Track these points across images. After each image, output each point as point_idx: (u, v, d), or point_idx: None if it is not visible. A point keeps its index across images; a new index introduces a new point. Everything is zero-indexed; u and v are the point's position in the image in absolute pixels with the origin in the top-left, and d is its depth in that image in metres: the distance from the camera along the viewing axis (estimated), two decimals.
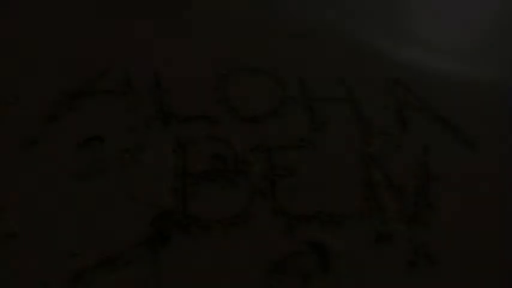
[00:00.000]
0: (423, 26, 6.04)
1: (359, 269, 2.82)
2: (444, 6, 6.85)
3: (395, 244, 3.01)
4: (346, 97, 4.22)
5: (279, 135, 3.68)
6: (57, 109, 3.59)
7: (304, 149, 3.61)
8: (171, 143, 3.49)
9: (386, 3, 6.24)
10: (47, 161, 3.16)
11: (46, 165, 3.13)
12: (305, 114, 3.95)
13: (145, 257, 2.71)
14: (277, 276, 2.73)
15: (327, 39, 5.10)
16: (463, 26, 6.22)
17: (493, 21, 6.37)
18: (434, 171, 3.57)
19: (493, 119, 4.23)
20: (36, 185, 3.01)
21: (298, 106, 4.03)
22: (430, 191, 3.41)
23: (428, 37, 5.62)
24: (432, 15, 6.45)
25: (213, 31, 4.94)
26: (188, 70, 4.22)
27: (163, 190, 3.12)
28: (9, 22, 4.58)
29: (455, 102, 4.32)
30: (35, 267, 2.58)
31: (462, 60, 5.14)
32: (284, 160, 3.48)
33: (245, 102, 3.96)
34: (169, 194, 3.10)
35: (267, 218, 3.04)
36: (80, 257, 2.64)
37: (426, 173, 3.55)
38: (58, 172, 3.11)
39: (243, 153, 3.48)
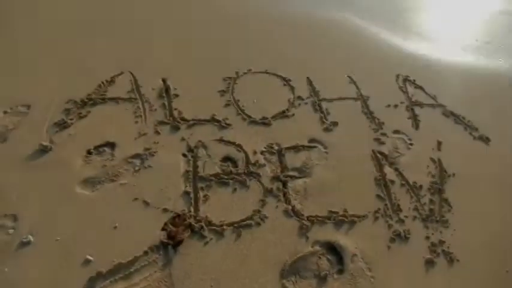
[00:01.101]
0: (432, 22, 6.00)
1: (375, 269, 2.76)
2: (450, 2, 6.83)
3: (413, 243, 2.94)
4: (356, 96, 4.17)
5: (289, 136, 3.66)
6: (67, 117, 3.59)
7: (316, 150, 3.57)
8: (181, 147, 3.47)
9: (394, 2, 6.22)
10: (59, 169, 3.16)
11: (58, 172, 3.13)
12: (315, 115, 3.92)
13: (158, 262, 2.68)
14: (292, 277, 2.68)
15: (336, 40, 5.08)
16: (471, 21, 6.18)
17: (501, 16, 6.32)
18: (449, 168, 3.50)
19: (504, 113, 4.16)
20: (49, 193, 3.00)
21: (307, 107, 4.01)
22: (446, 188, 3.34)
23: (437, 34, 5.58)
24: (440, 12, 6.41)
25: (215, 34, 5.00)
26: (195, 75, 4.21)
27: (175, 195, 3.10)
28: (14, 34, 4.67)
29: (466, 98, 4.26)
30: (50, 275, 2.57)
31: (473, 56, 5.09)
32: (295, 161, 3.45)
33: (254, 104, 3.94)
34: (180, 198, 3.07)
35: (280, 220, 3.01)
36: (94, 264, 2.62)
37: (440, 170, 3.49)
38: (70, 179, 3.10)
39: (253, 156, 3.45)
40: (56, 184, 3.04)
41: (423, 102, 4.20)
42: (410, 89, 4.36)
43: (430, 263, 2.84)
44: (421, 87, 4.39)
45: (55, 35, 4.75)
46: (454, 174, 3.46)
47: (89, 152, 3.35)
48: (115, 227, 2.84)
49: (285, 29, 5.24)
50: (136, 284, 2.55)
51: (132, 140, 3.47)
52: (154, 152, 3.40)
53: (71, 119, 3.60)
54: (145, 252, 2.71)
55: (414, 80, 4.47)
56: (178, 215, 2.96)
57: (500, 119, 4.07)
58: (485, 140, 3.84)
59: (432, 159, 3.59)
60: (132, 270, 2.61)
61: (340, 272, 2.73)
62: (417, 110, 4.11)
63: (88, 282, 2.50)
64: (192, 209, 3.01)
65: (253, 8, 5.80)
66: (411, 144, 3.71)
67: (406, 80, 4.47)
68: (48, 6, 5.41)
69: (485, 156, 3.67)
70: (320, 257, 2.79)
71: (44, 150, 3.27)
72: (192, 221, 2.92)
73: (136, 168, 3.26)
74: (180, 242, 2.80)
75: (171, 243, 2.77)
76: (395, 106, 4.11)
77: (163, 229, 2.87)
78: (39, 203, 2.90)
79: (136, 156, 3.35)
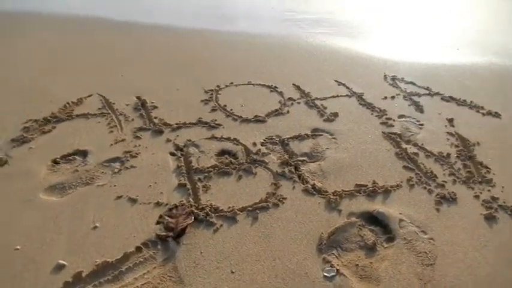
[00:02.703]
0: (404, 27, 6.11)
1: (431, 231, 2.21)
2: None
3: (463, 203, 2.45)
4: (349, 94, 3.88)
5: (289, 129, 3.24)
6: (27, 133, 3.02)
7: (322, 137, 3.15)
8: (168, 148, 2.94)
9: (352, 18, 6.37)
10: (18, 179, 2.53)
11: (17, 183, 2.50)
12: (312, 111, 3.55)
13: (157, 257, 2.01)
14: (333, 251, 2.07)
15: (323, 54, 4.96)
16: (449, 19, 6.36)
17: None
18: (470, 138, 3.14)
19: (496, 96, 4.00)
20: (6, 203, 2.34)
21: (301, 106, 3.66)
22: (476, 153, 2.95)
23: (414, 36, 5.65)
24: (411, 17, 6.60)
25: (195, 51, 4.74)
26: (173, 91, 3.83)
27: (167, 189, 2.52)
28: None
29: (458, 87, 4.10)
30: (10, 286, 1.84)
31: (451, 51, 5.09)
32: (303, 148, 2.99)
33: (243, 108, 3.54)
34: (175, 192, 2.48)
35: (301, 199, 2.45)
36: (69, 268, 1.92)
37: (462, 140, 3.12)
38: (32, 187, 2.47)
39: (254, 147, 2.96)
40: (14, 194, 2.40)
41: (419, 93, 3.95)
42: (402, 84, 4.15)
43: (491, 218, 2.33)
44: (411, 82, 4.19)
45: (17, 66, 4.29)
46: (478, 143, 3.09)
47: (55, 162, 2.75)
48: (94, 227, 2.20)
49: (261, 48, 5.07)
50: (130, 284, 1.88)
51: (107, 147, 2.93)
52: (137, 153, 2.86)
53: (31, 135, 3.03)
54: (138, 249, 2.06)
55: (403, 78, 4.28)
56: (176, 206, 2.35)
57: (505, 100, 3.87)
58: (496, 114, 3.56)
59: (449, 133, 3.25)
60: (122, 269, 1.93)
61: (391, 239, 2.16)
62: (415, 98, 3.83)
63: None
64: (191, 200, 2.40)
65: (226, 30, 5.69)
66: (421, 124, 3.38)
67: (394, 78, 4.28)
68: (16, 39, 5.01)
69: (502, 127, 3.36)
70: (361, 228, 2.21)
71: (3, 164, 2.65)
72: (193, 209, 2.30)
73: (116, 170, 2.68)
74: (182, 232, 2.17)
75: (170, 235, 2.13)
76: (393, 97, 3.85)
77: (158, 222, 2.23)
78: (6, 213, 2.23)
79: (115, 159, 2.80)
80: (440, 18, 7.02)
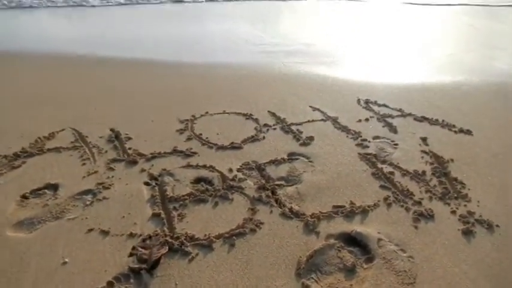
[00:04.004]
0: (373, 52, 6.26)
1: (410, 249, 2.19)
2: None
3: (440, 219, 2.46)
4: (324, 118, 3.92)
5: (265, 154, 3.22)
6: None
7: (298, 161, 3.14)
8: (142, 178, 2.88)
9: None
10: None
11: None
12: (287, 136, 3.56)
13: None
14: (313, 275, 2.02)
15: (297, 81, 5.03)
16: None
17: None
18: (444, 155, 3.19)
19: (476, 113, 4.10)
20: None
21: (277, 131, 3.66)
22: (451, 170, 2.98)
23: (382, 61, 5.79)
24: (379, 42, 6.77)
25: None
26: (147, 122, 3.80)
27: (141, 219, 2.45)
28: None
29: (430, 107, 4.19)
30: None
31: (422, 74, 5.24)
32: (279, 172, 2.97)
33: (218, 136, 3.53)
34: (149, 222, 2.42)
35: (278, 223, 2.42)
36: None
37: (437, 157, 3.17)
38: (1, 224, 2.37)
39: (230, 173, 2.94)
40: None
41: (392, 115, 4.02)
42: (375, 107, 4.22)
43: (468, 233, 2.33)
44: (384, 105, 4.27)
45: None
46: (452, 160, 3.13)
47: (24, 197, 2.66)
48: (64, 263, 2.11)
49: (236, 78, 5.09)
50: None
51: (79, 179, 2.85)
52: (110, 185, 2.79)
53: (0, 171, 2.92)
54: (110, 283, 1.97)
55: (376, 101, 4.36)
56: (150, 236, 2.28)
57: (475, 117, 3.95)
58: (467, 132, 3.63)
59: (424, 151, 3.29)
60: None
61: (370, 260, 2.13)
62: (389, 120, 3.89)
63: None
64: (166, 230, 2.33)
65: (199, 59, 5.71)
66: (396, 144, 3.41)
67: (367, 101, 4.35)
68: None
69: (474, 143, 3.43)
70: (339, 250, 2.18)
71: None
72: (168, 239, 2.24)
73: (88, 202, 2.61)
74: (156, 264, 2.10)
75: (144, 267, 2.05)
76: (367, 120, 3.90)
77: (131, 254, 2.15)
78: None
79: (87, 191, 2.72)
80: (410, 44, 7.26)
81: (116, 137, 3.49)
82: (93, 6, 10.53)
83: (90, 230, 2.35)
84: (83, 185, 2.78)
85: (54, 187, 2.78)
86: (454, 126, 3.77)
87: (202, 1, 10.22)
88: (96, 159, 3.15)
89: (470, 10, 10.48)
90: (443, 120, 3.86)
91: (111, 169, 3.00)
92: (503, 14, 9.95)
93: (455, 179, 2.88)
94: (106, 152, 3.25)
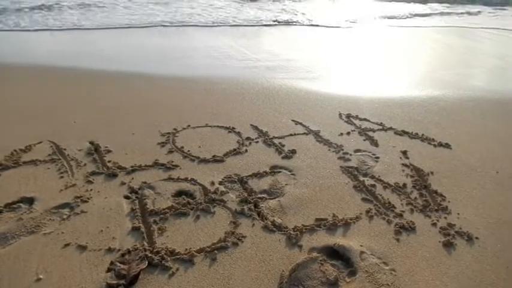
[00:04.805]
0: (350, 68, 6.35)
1: (392, 262, 2.19)
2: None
3: (421, 231, 2.47)
4: (306, 132, 3.94)
5: (247, 168, 3.20)
6: None
7: (281, 174, 3.13)
8: (122, 191, 2.82)
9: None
10: None
11: None
12: (270, 149, 3.55)
13: None
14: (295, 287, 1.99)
15: (280, 96, 5.05)
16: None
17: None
18: (424, 168, 3.23)
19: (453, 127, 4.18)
20: None
21: (259, 144, 3.65)
22: (431, 182, 3.02)
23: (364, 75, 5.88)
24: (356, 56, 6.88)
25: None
26: (128, 135, 3.74)
27: (120, 233, 2.38)
28: None
29: (410, 122, 4.26)
30: None
31: (402, 89, 5.33)
32: (262, 185, 2.96)
33: (200, 149, 3.50)
34: (129, 236, 2.36)
35: (261, 236, 2.39)
36: None
37: (417, 170, 3.20)
38: None
39: (212, 186, 2.90)
40: None
41: (373, 129, 4.06)
42: (357, 121, 4.26)
43: (449, 245, 2.35)
44: (365, 119, 4.31)
45: None
46: (432, 173, 3.17)
47: None
48: (38, 279, 2.03)
49: (218, 92, 5.08)
50: None
51: (56, 193, 2.78)
52: (88, 198, 2.72)
53: None
54: None
55: (357, 115, 4.41)
56: (129, 251, 2.22)
57: (454, 131, 4.03)
58: (446, 145, 3.70)
59: (404, 165, 3.32)
60: None
61: (353, 273, 2.11)
62: (370, 133, 3.93)
63: None
64: (145, 244, 2.28)
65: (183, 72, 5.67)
66: (377, 157, 3.44)
67: (349, 116, 4.39)
68: None
69: (453, 156, 3.49)
70: (322, 264, 2.16)
71: None
72: (148, 253, 2.18)
73: (65, 216, 2.53)
74: (135, 279, 2.04)
75: (122, 283, 1.99)
76: (348, 133, 3.93)
77: (109, 270, 2.09)
78: None
79: (64, 205, 2.65)
80: (391, 61, 7.40)
81: (95, 150, 3.42)
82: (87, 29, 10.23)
83: (67, 244, 2.27)
84: (59, 199, 2.70)
85: (30, 201, 2.69)
86: (433, 139, 3.83)
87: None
88: (74, 172, 3.07)
89: (447, 31, 10.80)
90: (422, 134, 3.92)
91: (90, 182, 2.92)
92: (478, 35, 10.28)
93: (436, 192, 2.91)
94: (85, 165, 3.18)
